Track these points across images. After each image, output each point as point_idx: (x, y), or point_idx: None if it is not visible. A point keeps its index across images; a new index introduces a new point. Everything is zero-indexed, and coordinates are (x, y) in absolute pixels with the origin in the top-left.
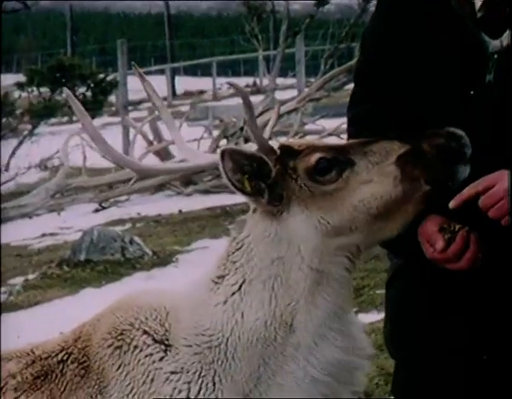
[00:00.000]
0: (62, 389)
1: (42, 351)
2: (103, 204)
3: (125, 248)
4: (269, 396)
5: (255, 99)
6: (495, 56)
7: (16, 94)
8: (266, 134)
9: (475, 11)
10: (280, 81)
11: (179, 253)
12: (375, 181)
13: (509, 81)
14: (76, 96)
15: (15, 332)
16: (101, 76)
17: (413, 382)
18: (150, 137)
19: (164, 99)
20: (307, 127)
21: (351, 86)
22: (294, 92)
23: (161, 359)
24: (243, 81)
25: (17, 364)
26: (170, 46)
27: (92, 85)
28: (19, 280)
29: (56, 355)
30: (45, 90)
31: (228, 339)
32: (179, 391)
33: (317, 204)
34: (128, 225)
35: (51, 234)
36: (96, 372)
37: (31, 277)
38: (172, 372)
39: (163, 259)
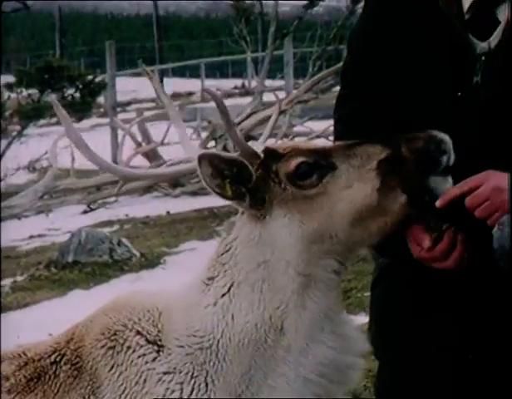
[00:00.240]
0: (55, 390)
1: (35, 352)
2: (91, 206)
3: (112, 250)
4: (261, 397)
5: (243, 101)
6: (483, 57)
7: (5, 95)
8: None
9: (463, 12)
10: (268, 82)
11: (167, 254)
12: (354, 187)
13: (497, 83)
14: (64, 98)
15: (4, 333)
16: (90, 77)
17: (397, 383)
18: (139, 138)
19: (153, 100)
20: (296, 129)
21: (339, 88)
22: (282, 94)
23: (154, 360)
24: (231, 83)
25: (10, 366)
26: (159, 48)
27: (81, 86)
28: (8, 282)
29: (49, 356)
30: (33, 91)
31: (218, 341)
32: (172, 392)
33: (298, 208)
34: (116, 227)
35: (39, 236)
36: (88, 373)
37: (19, 278)
38: (165, 373)
39: (151, 261)
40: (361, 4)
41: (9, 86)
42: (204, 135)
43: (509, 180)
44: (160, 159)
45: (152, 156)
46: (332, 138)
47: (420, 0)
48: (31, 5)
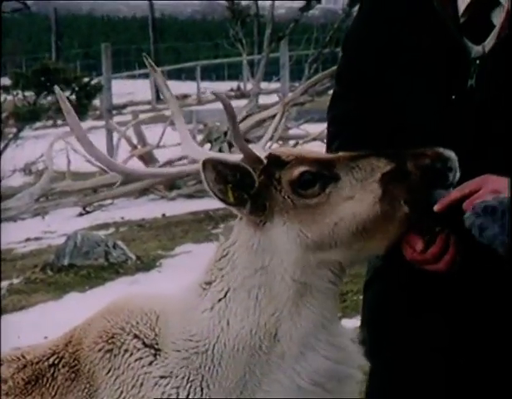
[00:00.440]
0: (53, 393)
1: (34, 355)
2: (87, 209)
3: (108, 253)
4: None
5: (239, 103)
6: (477, 61)
7: (1, 97)
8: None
9: (459, 16)
10: (264, 85)
11: (163, 257)
12: (356, 199)
13: (492, 86)
14: None
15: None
16: (86, 79)
17: (390, 385)
18: (134, 141)
19: (149, 103)
20: (291, 132)
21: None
22: (279, 95)
23: (151, 363)
24: (227, 86)
25: (8, 369)
26: (155, 50)
27: (77, 89)
28: (4, 284)
29: (47, 359)
30: (30, 93)
31: (214, 346)
32: (168, 396)
33: (298, 217)
34: (112, 229)
35: (36, 239)
36: (86, 376)
37: (15, 281)
38: (161, 377)
39: (146, 264)
40: (358, 7)
41: (5, 89)
42: (199, 137)
43: (508, 184)
44: (156, 161)
45: (148, 159)
46: None
47: (416, 3)
48: (30, 5)
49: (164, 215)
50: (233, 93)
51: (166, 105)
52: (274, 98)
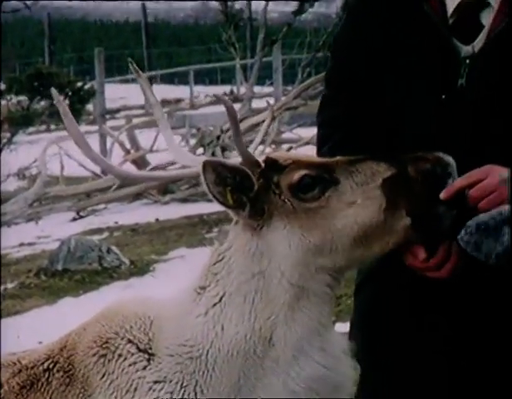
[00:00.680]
0: (48, 398)
1: (28, 360)
2: (81, 213)
3: (102, 258)
4: None
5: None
6: (467, 60)
7: None
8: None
9: (447, 17)
10: (257, 89)
11: (157, 262)
12: (359, 204)
13: (482, 85)
14: (54, 105)
15: None
16: (79, 84)
17: (384, 387)
18: (128, 146)
19: (142, 107)
20: (284, 136)
21: None
22: (271, 101)
23: (144, 368)
24: (220, 90)
25: (4, 373)
26: (148, 55)
27: (70, 93)
28: None
29: (42, 364)
30: (23, 98)
31: (208, 351)
32: None
33: (298, 221)
34: (105, 234)
35: (29, 244)
36: (80, 381)
37: (9, 286)
38: (155, 382)
39: (140, 269)
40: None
41: None
42: (192, 142)
43: (508, 179)
44: (149, 165)
45: (141, 163)
46: None
47: (405, 4)
48: (32, 5)
49: (157, 220)
50: (226, 97)
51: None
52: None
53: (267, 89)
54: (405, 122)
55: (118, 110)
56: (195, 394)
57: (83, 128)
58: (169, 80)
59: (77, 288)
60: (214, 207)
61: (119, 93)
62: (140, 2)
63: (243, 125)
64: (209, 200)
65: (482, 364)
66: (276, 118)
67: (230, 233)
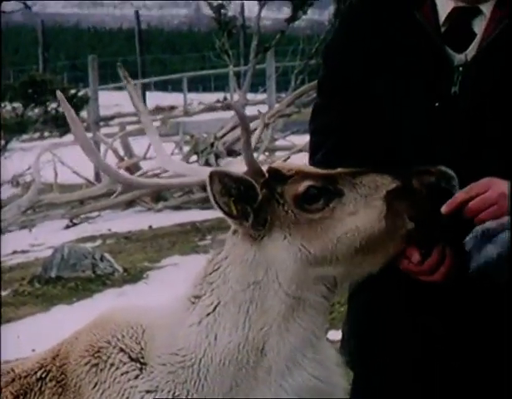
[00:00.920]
0: None
1: (22, 369)
2: (74, 221)
3: (95, 265)
4: None
5: (226, 114)
6: (460, 68)
7: None
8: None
9: (440, 25)
10: (251, 96)
11: (150, 269)
12: (360, 214)
13: (475, 93)
14: (47, 112)
15: None
16: (73, 91)
17: (379, 392)
18: (121, 153)
19: (136, 114)
20: (278, 143)
21: None
22: (265, 108)
23: (136, 377)
24: (213, 97)
25: None
26: (141, 62)
27: None
28: None
29: (35, 373)
30: (17, 105)
31: (200, 360)
32: None
33: (300, 232)
34: (99, 242)
35: (23, 251)
36: (72, 390)
37: (3, 294)
38: (147, 391)
39: (133, 276)
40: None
41: None
42: (186, 149)
43: (508, 188)
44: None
45: (134, 171)
46: None
47: (398, 12)
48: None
49: (150, 227)
50: (219, 104)
51: (153, 116)
52: (261, 109)
53: (260, 96)
54: (398, 130)
55: (112, 118)
56: None
57: None
58: (162, 87)
59: (71, 296)
60: (207, 214)
61: (113, 100)
62: (134, 9)
63: (236, 133)
64: (202, 208)
65: (476, 367)
66: (269, 125)
67: (227, 243)
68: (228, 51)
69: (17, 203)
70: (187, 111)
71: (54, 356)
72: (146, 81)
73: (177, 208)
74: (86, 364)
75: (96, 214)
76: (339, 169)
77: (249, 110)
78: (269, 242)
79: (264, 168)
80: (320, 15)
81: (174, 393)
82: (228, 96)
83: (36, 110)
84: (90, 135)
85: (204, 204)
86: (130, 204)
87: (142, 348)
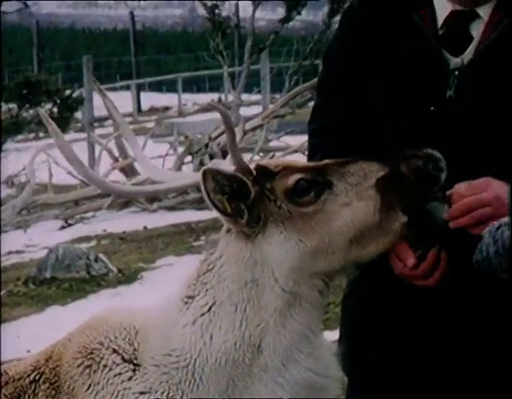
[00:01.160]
0: None
1: (15, 371)
2: (69, 221)
3: (90, 266)
4: None
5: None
6: (456, 72)
7: None
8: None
9: (437, 28)
10: (245, 97)
11: (144, 270)
12: (354, 205)
13: (470, 98)
14: None
15: None
16: (68, 92)
17: (373, 394)
18: (116, 154)
19: (130, 115)
20: (272, 144)
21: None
22: (259, 109)
23: (130, 379)
24: (208, 98)
25: None
26: (136, 63)
27: (58, 101)
28: None
29: (29, 375)
30: (12, 106)
31: (196, 360)
32: None
33: (295, 226)
34: (93, 242)
35: (17, 252)
36: (66, 392)
37: None
38: (141, 393)
39: (128, 277)
40: (338, 18)
41: None
42: (180, 150)
43: (508, 191)
44: (137, 174)
45: (129, 171)
46: None
47: (396, 15)
48: (32, 5)
49: (145, 228)
50: (211, 105)
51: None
52: (255, 110)
53: (254, 97)
54: (394, 132)
55: (106, 118)
56: None
57: (71, 136)
58: (157, 87)
59: (65, 296)
60: (202, 215)
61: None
62: (128, 10)
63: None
64: (197, 208)
65: (469, 370)
66: (264, 126)
67: (221, 242)
68: (223, 51)
69: (12, 203)
70: (181, 112)
71: (47, 358)
72: (141, 81)
73: (172, 208)
74: (79, 366)
75: (90, 214)
76: (326, 161)
77: (244, 111)
78: (264, 239)
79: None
80: (314, 16)
81: (168, 394)
82: (222, 96)
83: (31, 111)
84: (84, 135)
85: (198, 204)
86: (124, 204)
87: (135, 349)
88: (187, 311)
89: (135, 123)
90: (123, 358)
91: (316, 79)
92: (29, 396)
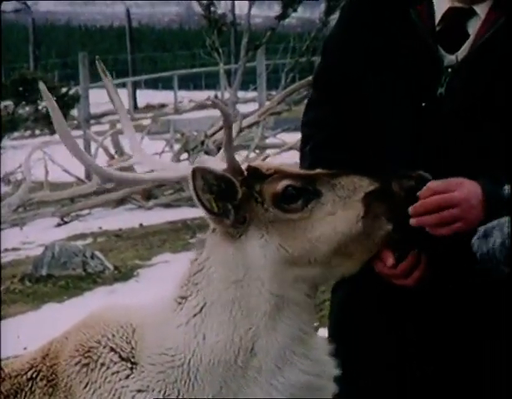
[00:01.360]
0: None
1: (12, 368)
2: (65, 219)
3: (86, 263)
4: None
5: (216, 112)
6: (449, 70)
7: None
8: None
9: (435, 24)
10: (241, 94)
11: (140, 267)
12: (338, 215)
13: (460, 96)
14: (38, 110)
15: None
16: (64, 89)
17: (358, 391)
18: (112, 151)
19: (127, 112)
20: (268, 141)
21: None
22: (255, 106)
23: (127, 377)
24: (204, 95)
25: None
26: (132, 60)
27: (55, 98)
28: None
29: (26, 373)
30: (8, 103)
31: (190, 360)
32: None
33: (278, 231)
34: (89, 240)
35: (14, 249)
36: (63, 390)
37: None
38: (138, 391)
39: (124, 274)
40: (334, 16)
41: None
42: (176, 147)
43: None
44: (133, 171)
45: (125, 168)
46: None
47: (395, 10)
48: (32, 5)
49: (141, 225)
50: (209, 102)
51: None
52: (251, 107)
53: (251, 94)
54: (386, 127)
55: (102, 115)
56: None
57: None
58: (153, 85)
59: (61, 294)
60: (198, 212)
61: (103, 98)
62: (125, 7)
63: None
64: (193, 205)
65: (449, 372)
66: (260, 123)
67: (208, 242)
68: (219, 48)
69: (8, 201)
70: (177, 109)
71: (44, 355)
72: (137, 78)
73: (168, 206)
74: (76, 364)
75: (86, 212)
76: (318, 170)
77: (240, 108)
78: (247, 240)
79: (243, 166)
80: (311, 13)
81: (165, 393)
82: (218, 93)
83: (27, 108)
84: (80, 132)
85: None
86: (120, 201)
87: (133, 348)
88: (180, 311)
89: (131, 120)
90: (120, 357)
91: (312, 76)
92: (26, 394)
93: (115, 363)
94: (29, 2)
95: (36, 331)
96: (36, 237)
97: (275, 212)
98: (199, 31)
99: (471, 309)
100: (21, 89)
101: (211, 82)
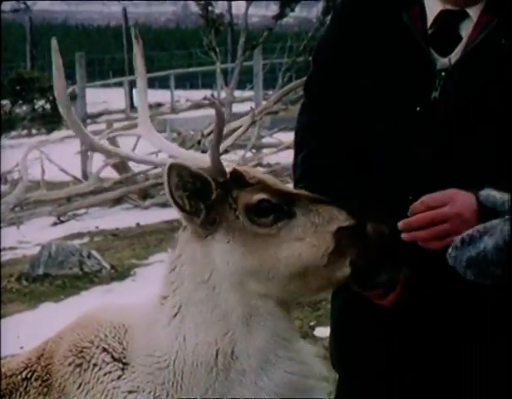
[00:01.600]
0: None
1: (8, 368)
2: (61, 218)
3: (83, 263)
4: None
5: (213, 112)
6: (443, 73)
7: None
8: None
9: (427, 28)
10: (238, 93)
11: (137, 266)
12: (306, 242)
13: (454, 100)
14: (35, 110)
15: None
16: None
17: (358, 393)
18: None
19: (123, 111)
20: (265, 140)
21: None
22: (252, 105)
23: (119, 378)
24: (201, 94)
25: None
26: (129, 59)
27: (51, 98)
28: None
29: (21, 373)
30: (5, 102)
31: (174, 361)
32: None
33: (244, 240)
34: (86, 239)
35: (10, 248)
36: (57, 390)
37: None
38: (129, 392)
39: (121, 273)
40: (330, 17)
41: None
42: None
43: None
44: (129, 170)
45: (121, 168)
46: None
47: (386, 14)
48: (32, 5)
49: (138, 224)
50: (206, 101)
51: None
52: (248, 106)
53: (247, 93)
54: (379, 131)
55: (99, 115)
56: None
57: (64, 132)
58: (149, 84)
59: (58, 293)
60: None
61: (100, 97)
62: (122, 7)
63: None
64: None
65: (436, 379)
66: (256, 123)
67: (179, 241)
68: (216, 48)
69: (5, 200)
70: (174, 108)
71: (39, 355)
72: (134, 78)
73: (164, 205)
74: (69, 364)
75: (83, 211)
76: (302, 191)
77: (237, 108)
78: (213, 242)
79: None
80: (308, 12)
81: (155, 394)
82: (215, 93)
83: (24, 108)
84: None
85: None
86: (117, 201)
87: (124, 348)
88: (162, 311)
89: (127, 119)
90: (112, 357)
91: None
92: (21, 394)
93: (108, 364)
94: (28, 2)
95: (32, 330)
96: (33, 236)
97: (244, 221)
98: (196, 30)
99: (460, 319)
100: (18, 88)
101: (208, 82)
